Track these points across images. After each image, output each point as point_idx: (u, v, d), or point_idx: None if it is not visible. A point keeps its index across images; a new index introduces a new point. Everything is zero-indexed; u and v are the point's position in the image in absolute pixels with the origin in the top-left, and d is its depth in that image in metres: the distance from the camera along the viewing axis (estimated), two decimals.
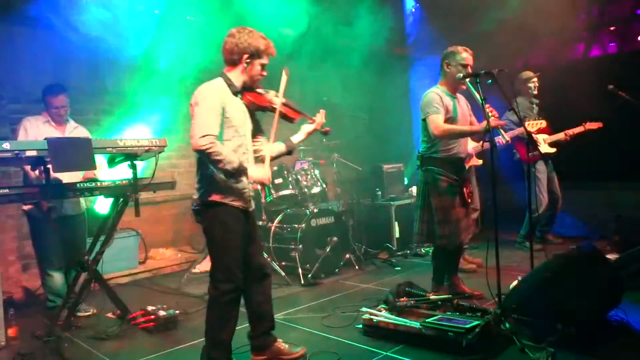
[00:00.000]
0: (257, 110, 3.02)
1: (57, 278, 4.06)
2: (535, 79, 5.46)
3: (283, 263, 5.02)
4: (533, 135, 4.34)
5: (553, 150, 5.50)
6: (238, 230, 2.83)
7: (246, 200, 2.88)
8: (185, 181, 5.76)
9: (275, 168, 5.13)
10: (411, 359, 2.99)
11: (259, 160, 3.06)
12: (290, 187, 5.25)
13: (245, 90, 2.91)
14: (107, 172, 3.95)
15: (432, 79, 4.04)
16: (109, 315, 4.09)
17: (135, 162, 3.52)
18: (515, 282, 3.57)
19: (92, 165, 3.33)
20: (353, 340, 3.33)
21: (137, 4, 5.28)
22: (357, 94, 6.75)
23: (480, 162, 5.16)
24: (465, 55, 3.76)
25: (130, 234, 5.45)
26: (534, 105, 5.52)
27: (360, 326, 3.47)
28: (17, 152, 3.02)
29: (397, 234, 5.93)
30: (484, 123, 3.48)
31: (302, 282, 4.75)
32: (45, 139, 3.19)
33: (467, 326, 2.97)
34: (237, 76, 2.86)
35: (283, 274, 4.87)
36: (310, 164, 5.49)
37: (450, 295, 3.60)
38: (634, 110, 4.62)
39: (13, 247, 4.90)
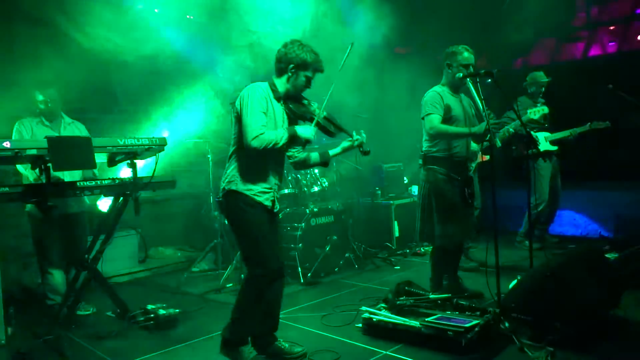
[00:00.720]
0: (298, 119, 3.08)
1: (57, 276, 4.06)
2: (545, 84, 5.45)
3: (283, 262, 5.01)
4: (532, 134, 4.33)
5: (554, 148, 5.49)
6: (262, 220, 2.92)
7: (270, 198, 2.96)
8: (186, 180, 5.75)
9: None
10: (410, 358, 2.99)
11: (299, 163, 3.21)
12: (290, 186, 5.25)
13: (288, 98, 3.00)
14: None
15: (434, 79, 4.03)
16: (109, 314, 4.09)
17: (135, 160, 3.53)
18: (514, 282, 3.57)
19: (92, 164, 3.33)
20: (352, 339, 3.34)
21: (137, 3, 5.28)
22: (358, 93, 6.73)
23: (486, 157, 5.11)
24: (466, 55, 3.74)
25: (130, 233, 5.45)
26: (538, 105, 5.50)
27: (360, 325, 3.48)
28: (17, 150, 3.02)
29: (396, 233, 5.94)
30: (481, 126, 3.48)
31: (302, 281, 4.76)
32: (45, 137, 3.19)
33: (467, 325, 2.98)
34: (282, 84, 2.99)
35: None
36: None
37: (449, 295, 3.60)
38: (635, 110, 4.62)
39: (13, 245, 4.90)
